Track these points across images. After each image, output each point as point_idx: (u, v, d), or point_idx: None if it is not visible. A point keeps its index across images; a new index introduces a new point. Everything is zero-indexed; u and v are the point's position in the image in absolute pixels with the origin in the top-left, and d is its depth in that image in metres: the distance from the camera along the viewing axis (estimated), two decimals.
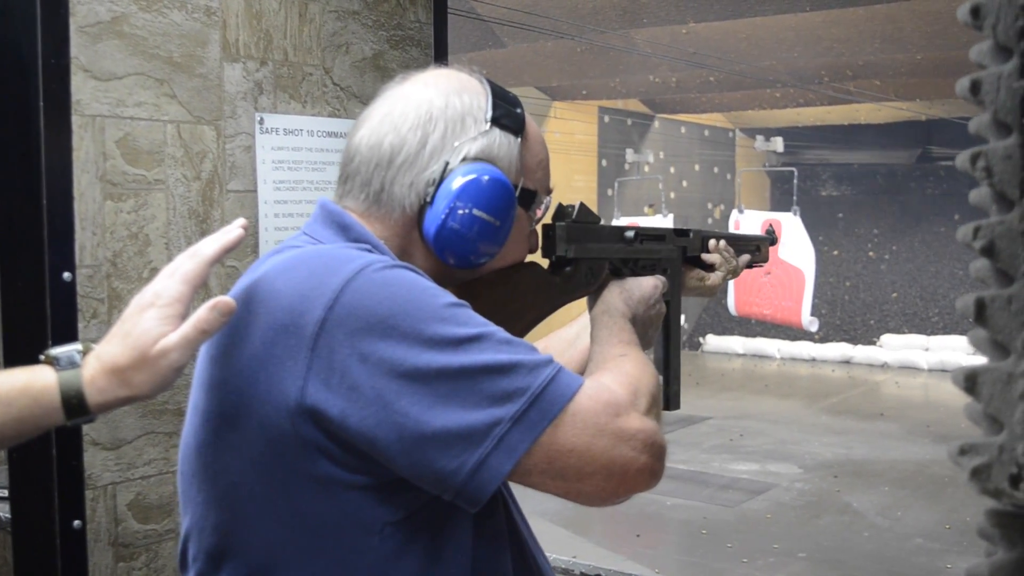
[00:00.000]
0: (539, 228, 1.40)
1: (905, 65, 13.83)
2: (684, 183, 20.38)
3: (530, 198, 1.32)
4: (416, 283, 1.11)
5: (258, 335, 1.11)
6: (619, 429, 1.10)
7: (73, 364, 1.07)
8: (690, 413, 12.98)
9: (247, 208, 2.09)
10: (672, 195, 19.07)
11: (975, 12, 0.63)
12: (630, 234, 1.51)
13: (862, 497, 9.49)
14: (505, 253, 1.30)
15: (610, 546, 8.04)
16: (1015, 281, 0.61)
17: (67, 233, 1.79)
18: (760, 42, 12.67)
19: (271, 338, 1.09)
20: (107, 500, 1.89)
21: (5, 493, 1.98)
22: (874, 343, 18.65)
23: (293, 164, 2.16)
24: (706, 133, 21.10)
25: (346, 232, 1.23)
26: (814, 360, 18.39)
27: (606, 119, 18.15)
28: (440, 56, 2.48)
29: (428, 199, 1.23)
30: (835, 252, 21.20)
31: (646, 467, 1.12)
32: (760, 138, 20.67)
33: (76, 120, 1.81)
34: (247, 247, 2.09)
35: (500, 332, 1.11)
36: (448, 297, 1.12)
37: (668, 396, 1.56)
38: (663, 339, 1.60)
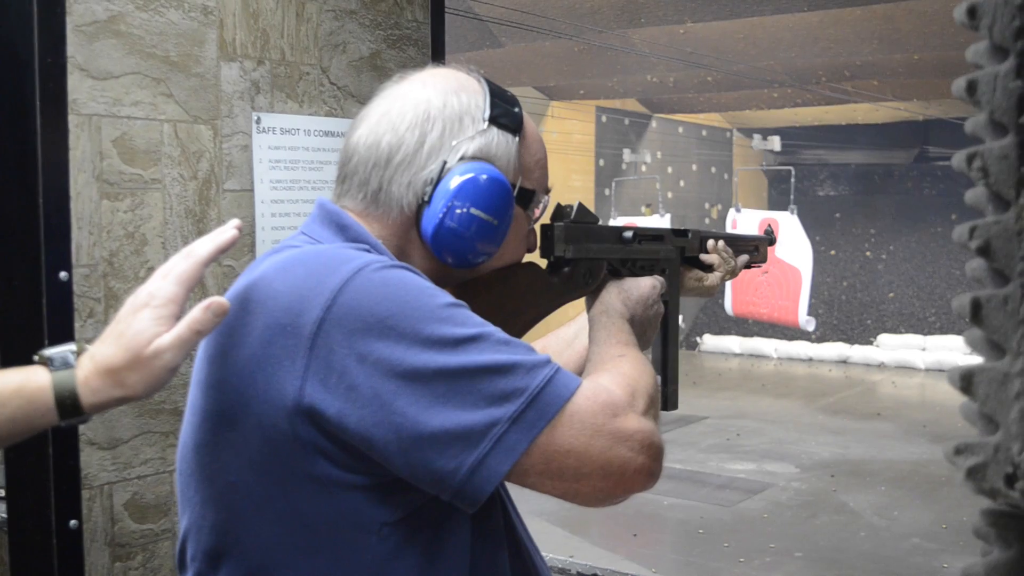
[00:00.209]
0: (537, 228, 1.40)
1: (902, 65, 13.84)
2: (681, 183, 20.38)
3: (528, 197, 1.32)
4: (414, 283, 1.11)
5: (256, 335, 1.11)
6: (617, 430, 1.10)
7: (67, 365, 1.08)
8: (687, 413, 12.98)
9: (244, 207, 2.09)
10: (669, 195, 19.08)
11: (971, 12, 0.63)
12: (628, 234, 1.51)
13: (859, 497, 9.49)
14: (503, 253, 1.30)
15: (607, 546, 8.04)
16: (1011, 281, 0.61)
17: (63, 232, 1.79)
18: (758, 42, 12.67)
19: (269, 338, 1.09)
20: (103, 500, 1.89)
21: (1, 493, 1.98)
22: (871, 343, 18.67)
23: (290, 163, 2.16)
24: (703, 133, 21.10)
25: (344, 232, 1.23)
26: (811, 360, 18.41)
27: (603, 119, 18.15)
28: (437, 56, 2.48)
29: (426, 198, 1.23)
30: (832, 252, 21.22)
31: (644, 468, 1.12)
32: (757, 137, 20.67)
33: (73, 119, 1.81)
34: (243, 246, 2.09)
35: (498, 332, 1.11)
36: (446, 297, 1.12)
37: (666, 396, 1.56)
38: (661, 339, 1.60)
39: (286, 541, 1.12)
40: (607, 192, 17.09)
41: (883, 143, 21.84)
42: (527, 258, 1.38)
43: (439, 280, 1.22)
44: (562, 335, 1.65)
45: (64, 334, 1.77)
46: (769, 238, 1.96)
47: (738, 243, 1.83)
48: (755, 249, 1.89)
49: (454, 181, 1.22)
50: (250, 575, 1.15)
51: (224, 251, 1.15)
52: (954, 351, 16.78)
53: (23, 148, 1.74)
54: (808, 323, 11.13)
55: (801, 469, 10.56)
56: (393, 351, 1.05)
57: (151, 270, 1.85)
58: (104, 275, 1.87)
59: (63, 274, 1.78)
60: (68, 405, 1.06)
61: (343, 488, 1.10)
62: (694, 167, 20.87)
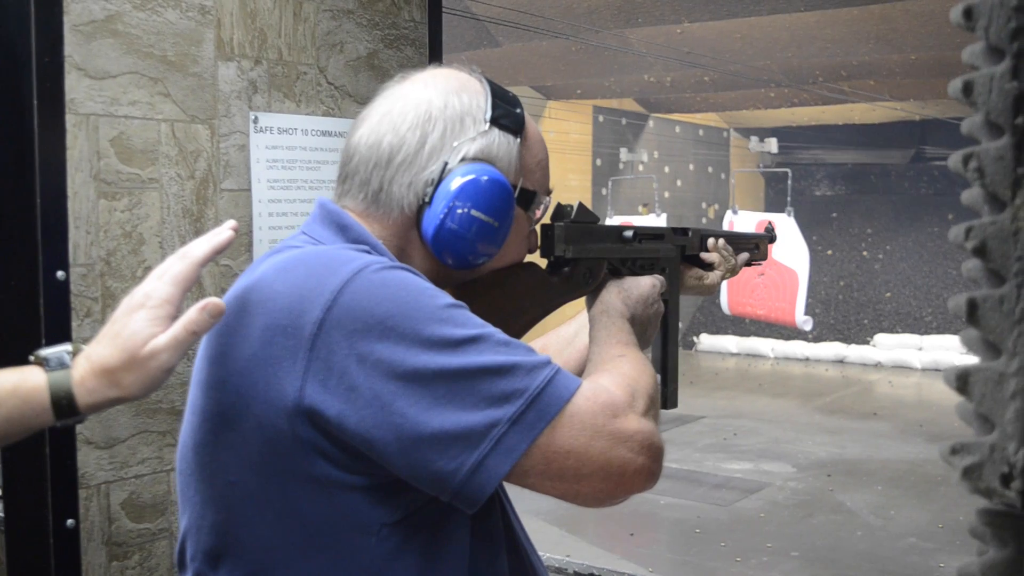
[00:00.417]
0: (537, 228, 1.40)
1: (899, 65, 13.85)
2: (678, 183, 20.39)
3: (529, 198, 1.32)
4: (414, 284, 1.11)
5: (256, 335, 1.11)
6: (617, 430, 1.10)
7: (63, 365, 1.08)
8: (684, 412, 12.98)
9: (241, 207, 2.09)
10: (666, 195, 19.08)
11: (968, 13, 0.63)
12: (629, 233, 1.51)
13: (855, 496, 9.50)
14: (504, 253, 1.30)
15: (604, 545, 8.04)
16: (1007, 281, 0.61)
17: (61, 232, 1.79)
18: (755, 42, 12.67)
19: (269, 339, 1.09)
20: (100, 499, 1.89)
21: None
22: (868, 343, 18.68)
23: (287, 163, 2.16)
24: (700, 133, 21.11)
25: (345, 232, 1.23)
26: (808, 359, 18.42)
27: (600, 118, 18.15)
28: (435, 55, 2.48)
29: (427, 199, 1.23)
30: (829, 252, 21.23)
31: (644, 468, 1.12)
32: (754, 139, 20.68)
33: (70, 119, 1.81)
34: (241, 246, 2.09)
35: (498, 333, 1.11)
36: (446, 298, 1.12)
37: (666, 395, 1.57)
38: (661, 338, 1.60)
39: (286, 541, 1.12)
40: (604, 192, 17.09)
41: (880, 143, 21.86)
42: (528, 258, 1.38)
43: (439, 281, 1.22)
44: (562, 334, 1.65)
45: (61, 333, 1.77)
46: (770, 236, 1.96)
47: (738, 241, 1.83)
48: (755, 247, 1.89)
49: (455, 182, 1.22)
50: (250, 575, 1.15)
51: (220, 252, 1.15)
52: (951, 351, 16.79)
53: (20, 147, 1.74)
54: (805, 323, 11.14)
55: (798, 469, 10.57)
56: (393, 352, 1.06)
57: (148, 270, 1.85)
58: (101, 275, 1.87)
59: (60, 273, 1.78)
60: (64, 405, 1.07)
61: (343, 489, 1.10)
62: (691, 167, 20.88)
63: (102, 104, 1.86)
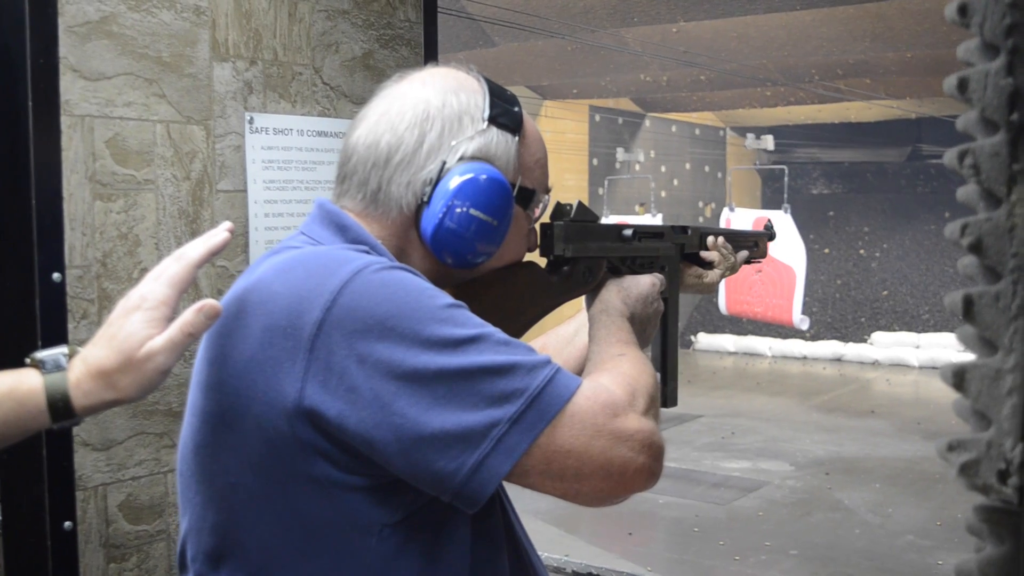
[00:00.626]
0: (537, 227, 1.40)
1: (895, 63, 13.86)
2: (675, 182, 20.39)
3: (528, 197, 1.32)
4: (414, 284, 1.11)
5: (256, 337, 1.11)
6: (617, 430, 1.10)
7: (59, 367, 1.08)
8: (681, 411, 12.98)
9: (237, 208, 2.09)
10: (663, 194, 19.09)
11: (962, 10, 0.63)
12: (628, 232, 1.50)
13: (853, 494, 9.51)
14: (503, 252, 1.30)
15: (602, 544, 8.04)
16: (1002, 278, 0.61)
17: (56, 233, 1.79)
18: (750, 41, 12.68)
19: (269, 340, 1.09)
20: (98, 501, 1.88)
21: None
22: (865, 341, 18.69)
23: (283, 164, 2.16)
24: (697, 132, 21.11)
25: (344, 233, 1.23)
26: (805, 358, 18.43)
27: (597, 118, 18.15)
28: (430, 55, 2.47)
29: (425, 199, 1.22)
30: (826, 250, 21.25)
31: (644, 467, 1.12)
32: (751, 136, 20.69)
33: (65, 120, 1.81)
34: (237, 247, 2.09)
35: (498, 333, 1.11)
36: (446, 298, 1.12)
37: (665, 393, 1.57)
38: (660, 336, 1.60)
39: (286, 542, 1.12)
40: (600, 191, 17.09)
41: (876, 141, 21.87)
42: (527, 257, 1.38)
43: (438, 280, 1.22)
44: (561, 333, 1.65)
45: (57, 335, 1.77)
46: (769, 233, 1.96)
47: (738, 239, 1.83)
48: (755, 245, 1.89)
49: (453, 181, 1.22)
50: None
51: (216, 254, 1.15)
52: (948, 348, 16.81)
53: (15, 149, 1.74)
54: (802, 322, 11.14)
55: (796, 467, 10.58)
56: (393, 352, 1.05)
57: (144, 271, 1.85)
58: (97, 276, 1.87)
59: (56, 275, 1.78)
60: (60, 408, 1.07)
61: (343, 489, 1.10)
62: (688, 166, 20.88)
63: (97, 105, 1.86)
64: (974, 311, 0.62)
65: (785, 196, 12.26)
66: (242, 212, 2.09)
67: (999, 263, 0.61)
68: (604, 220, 1.50)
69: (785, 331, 17.94)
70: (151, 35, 1.93)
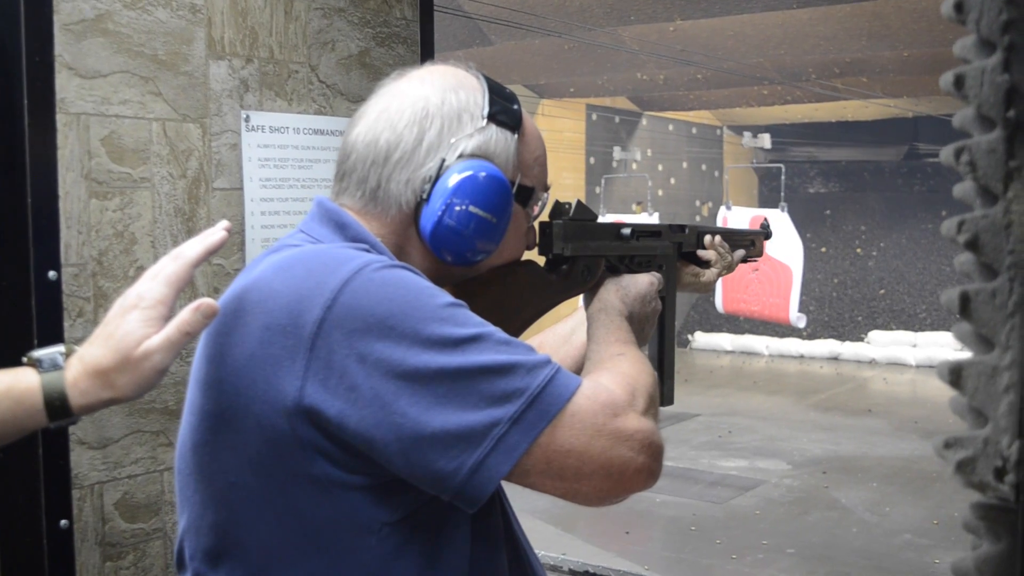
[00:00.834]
0: (536, 225, 1.40)
1: (892, 62, 13.87)
2: (672, 180, 20.39)
3: (527, 195, 1.31)
4: (414, 283, 1.11)
5: (255, 335, 1.10)
6: (617, 429, 1.10)
7: (56, 366, 1.08)
8: (679, 410, 12.99)
9: (233, 206, 2.08)
10: (660, 192, 19.10)
11: (959, 7, 0.63)
12: (626, 231, 1.51)
13: (850, 493, 9.52)
14: (502, 250, 1.30)
15: (599, 543, 8.04)
16: (999, 275, 0.61)
17: (52, 232, 1.79)
18: (747, 39, 12.68)
19: (269, 338, 1.09)
20: (94, 499, 1.88)
21: None
22: (862, 339, 18.71)
23: (279, 162, 2.16)
24: (694, 130, 21.11)
25: (343, 231, 1.23)
26: (802, 357, 18.44)
27: (594, 116, 18.14)
28: (427, 54, 2.47)
29: (424, 196, 1.22)
30: (823, 249, 21.26)
31: (644, 467, 1.12)
32: (747, 135, 20.69)
33: (61, 118, 1.80)
34: (233, 245, 2.09)
35: (498, 332, 1.11)
36: (446, 297, 1.12)
37: (662, 392, 1.56)
38: (657, 335, 1.60)
39: (286, 541, 1.12)
40: (597, 190, 17.09)
41: (873, 140, 21.89)
42: (526, 256, 1.38)
43: (438, 278, 1.22)
44: (559, 332, 1.65)
45: (53, 334, 1.76)
46: (765, 232, 1.96)
47: (734, 238, 1.83)
48: (751, 243, 1.89)
49: (453, 179, 1.21)
50: (249, 575, 1.14)
51: (213, 252, 1.15)
52: (945, 347, 16.83)
53: (11, 147, 1.74)
54: (799, 320, 11.15)
55: (793, 466, 10.58)
56: (393, 351, 1.05)
57: (141, 269, 1.85)
58: (93, 274, 1.86)
59: (52, 273, 1.78)
60: (57, 407, 1.07)
61: (343, 488, 1.10)
62: (684, 165, 20.88)
63: (93, 103, 1.85)
64: (971, 308, 0.62)
65: (782, 195, 12.28)
66: (238, 210, 2.09)
67: (996, 260, 0.61)
68: (601, 219, 1.50)
69: (782, 330, 17.96)
70: (147, 33, 1.93)
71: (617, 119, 18.76)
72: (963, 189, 0.64)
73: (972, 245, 0.62)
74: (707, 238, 1.74)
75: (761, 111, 19.76)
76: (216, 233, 1.15)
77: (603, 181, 16.79)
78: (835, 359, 18.18)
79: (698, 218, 20.64)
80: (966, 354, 0.64)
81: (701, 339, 19.72)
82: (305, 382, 1.06)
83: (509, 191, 1.26)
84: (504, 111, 1.28)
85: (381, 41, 2.37)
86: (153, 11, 1.94)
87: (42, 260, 1.76)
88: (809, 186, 23.82)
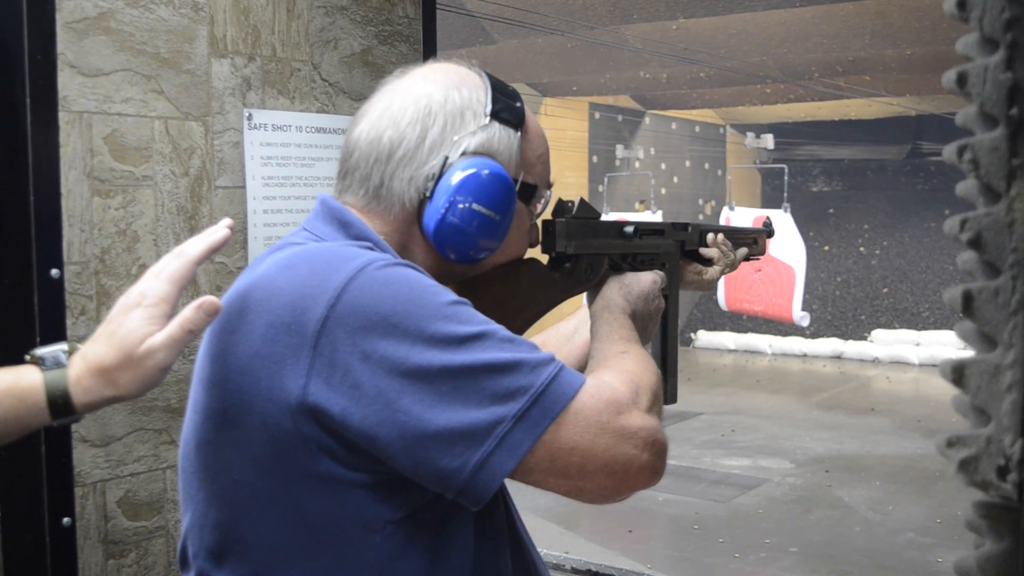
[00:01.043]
0: (539, 223, 1.40)
1: (895, 60, 13.86)
2: (675, 179, 20.39)
3: (530, 192, 1.31)
4: (418, 281, 1.11)
5: (259, 333, 1.10)
6: (621, 427, 1.10)
7: (59, 364, 1.08)
8: (681, 409, 13.00)
9: (236, 204, 2.08)
10: (663, 191, 19.11)
11: (961, 5, 0.63)
12: (629, 229, 1.51)
13: (853, 492, 9.51)
14: (505, 248, 1.30)
15: (602, 542, 8.05)
16: (1002, 273, 0.61)
17: (55, 230, 1.79)
18: (750, 38, 12.68)
19: (272, 336, 1.09)
20: (96, 497, 1.88)
21: None
22: (865, 338, 18.71)
23: (282, 160, 2.16)
24: (697, 129, 21.11)
25: (347, 229, 1.22)
26: (805, 355, 18.44)
27: (596, 115, 18.15)
28: (429, 52, 2.47)
29: (427, 194, 1.22)
30: (826, 248, 21.25)
31: (648, 465, 1.12)
32: (751, 135, 20.69)
33: (63, 116, 1.80)
34: (235, 243, 2.09)
35: (502, 330, 1.11)
36: (450, 295, 1.11)
37: (665, 391, 1.56)
38: (660, 333, 1.60)
39: (289, 539, 1.12)
40: (600, 189, 17.10)
41: (876, 139, 21.87)
42: (529, 254, 1.38)
43: (441, 276, 1.22)
44: (562, 330, 1.65)
45: (56, 332, 1.76)
46: (768, 230, 1.96)
47: (737, 236, 1.84)
48: (754, 242, 1.89)
49: (456, 176, 1.21)
50: (253, 573, 1.14)
51: (216, 251, 1.15)
52: (948, 346, 16.83)
53: (13, 145, 1.74)
54: (802, 319, 11.15)
55: (796, 464, 10.58)
56: (397, 349, 1.05)
57: (143, 267, 1.85)
58: (96, 272, 1.87)
59: (54, 271, 1.78)
60: (60, 404, 1.07)
61: (347, 486, 1.10)
62: (687, 163, 20.88)
63: (95, 101, 1.85)
64: (973, 306, 0.62)
65: (785, 194, 12.28)
66: (241, 208, 2.09)
67: (998, 258, 0.61)
68: (604, 217, 1.50)
69: (785, 328, 17.95)
70: (149, 31, 1.93)
71: (620, 117, 18.76)
72: (966, 187, 0.64)
73: (975, 243, 0.62)
74: (710, 236, 1.74)
75: (764, 109, 19.76)
76: (219, 231, 1.15)
77: (606, 179, 16.79)
78: (838, 358, 18.18)
79: (701, 216, 20.63)
80: (969, 352, 0.64)
81: (704, 338, 19.72)
82: (309, 380, 1.06)
83: (512, 188, 1.26)
84: (507, 108, 1.28)
85: (384, 39, 2.37)
86: (155, 9, 1.94)
87: (44, 258, 1.76)
88: (812, 184, 23.81)
